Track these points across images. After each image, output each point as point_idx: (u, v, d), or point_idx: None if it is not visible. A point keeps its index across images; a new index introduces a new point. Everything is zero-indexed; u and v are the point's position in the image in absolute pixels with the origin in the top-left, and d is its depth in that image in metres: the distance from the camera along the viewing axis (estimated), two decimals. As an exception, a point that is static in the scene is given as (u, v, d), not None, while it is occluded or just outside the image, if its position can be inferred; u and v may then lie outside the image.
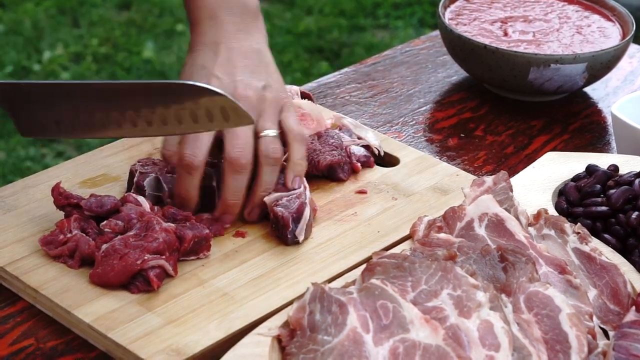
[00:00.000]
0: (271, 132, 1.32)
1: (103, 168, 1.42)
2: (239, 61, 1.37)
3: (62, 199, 1.28)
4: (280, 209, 1.29)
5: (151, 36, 4.09)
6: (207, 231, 1.26)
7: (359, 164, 1.45)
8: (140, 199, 1.30)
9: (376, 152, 1.48)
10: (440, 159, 1.54)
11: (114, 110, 1.25)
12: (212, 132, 1.30)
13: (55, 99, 1.27)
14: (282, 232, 1.29)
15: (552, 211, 1.33)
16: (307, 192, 1.33)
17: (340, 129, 1.51)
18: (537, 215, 1.29)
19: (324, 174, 1.42)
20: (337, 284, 1.18)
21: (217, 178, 1.33)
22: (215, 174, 1.34)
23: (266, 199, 1.32)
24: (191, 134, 1.29)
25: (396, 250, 1.24)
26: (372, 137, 1.50)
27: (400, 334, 1.06)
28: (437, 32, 1.88)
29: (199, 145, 1.29)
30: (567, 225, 1.26)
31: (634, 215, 1.28)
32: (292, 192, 1.32)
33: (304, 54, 4.03)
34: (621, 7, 1.80)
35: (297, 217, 1.29)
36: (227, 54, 1.37)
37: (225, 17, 1.38)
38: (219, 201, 1.31)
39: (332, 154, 1.42)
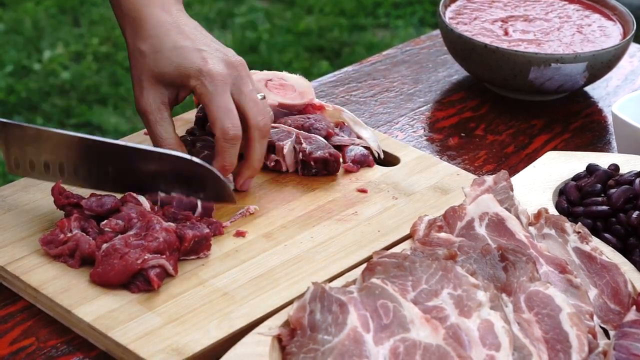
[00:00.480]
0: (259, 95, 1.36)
1: (103, 167, 1.42)
2: (202, 34, 1.39)
3: (63, 199, 1.28)
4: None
5: (151, 35, 4.08)
6: (208, 231, 1.26)
7: (352, 165, 1.45)
8: (141, 198, 1.30)
9: (376, 154, 1.48)
10: (440, 158, 1.54)
11: (109, 167, 1.30)
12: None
13: (53, 146, 1.30)
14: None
15: (553, 210, 1.33)
16: None
17: (340, 128, 1.51)
18: (538, 215, 1.28)
19: (319, 171, 1.43)
20: (338, 283, 1.18)
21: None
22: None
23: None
24: (222, 108, 1.31)
25: (396, 249, 1.24)
26: (371, 137, 1.50)
27: (401, 334, 1.06)
28: (437, 32, 1.88)
29: (234, 115, 1.32)
30: (568, 225, 1.26)
31: (635, 214, 1.28)
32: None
33: (305, 54, 4.03)
34: (622, 6, 1.80)
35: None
36: (190, 29, 1.38)
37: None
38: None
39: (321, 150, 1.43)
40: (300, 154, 1.42)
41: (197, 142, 1.43)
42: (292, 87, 1.53)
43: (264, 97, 1.37)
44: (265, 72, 1.55)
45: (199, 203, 1.30)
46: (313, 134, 1.45)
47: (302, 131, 1.45)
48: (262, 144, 1.35)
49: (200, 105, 1.45)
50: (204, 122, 1.47)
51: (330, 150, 1.43)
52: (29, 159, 1.31)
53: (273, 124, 1.44)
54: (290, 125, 1.46)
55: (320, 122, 1.48)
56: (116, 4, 1.39)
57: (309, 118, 1.48)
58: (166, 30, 1.35)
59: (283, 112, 1.51)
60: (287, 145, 1.42)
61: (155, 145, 1.34)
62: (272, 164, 1.42)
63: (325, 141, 1.45)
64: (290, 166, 1.43)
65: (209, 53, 1.34)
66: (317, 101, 1.53)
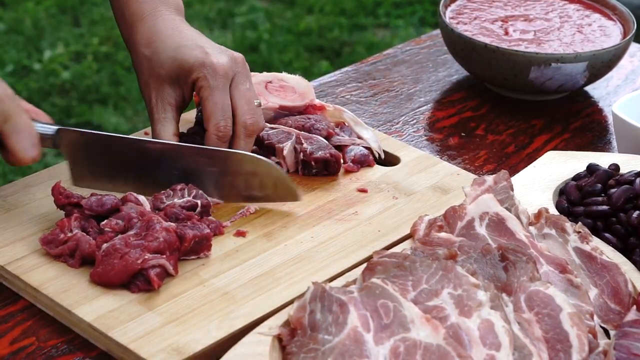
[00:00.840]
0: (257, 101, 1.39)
1: (103, 167, 1.42)
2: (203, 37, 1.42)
3: (63, 198, 1.28)
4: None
5: (152, 35, 4.08)
6: (208, 231, 1.26)
7: (352, 165, 1.45)
8: (141, 198, 1.30)
9: (376, 155, 1.48)
10: (440, 158, 1.54)
11: (172, 171, 1.33)
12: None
13: (117, 153, 1.33)
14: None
15: (553, 210, 1.33)
16: None
17: (341, 128, 1.51)
18: (538, 215, 1.28)
19: (319, 170, 1.43)
20: (338, 283, 1.18)
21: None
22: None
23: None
24: (219, 105, 1.34)
25: (397, 249, 1.24)
26: (372, 137, 1.50)
27: (401, 333, 1.06)
28: (437, 31, 1.88)
29: (229, 115, 1.35)
30: (568, 225, 1.26)
31: (635, 214, 1.28)
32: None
33: (305, 53, 4.03)
34: (622, 6, 1.80)
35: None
36: (191, 33, 1.41)
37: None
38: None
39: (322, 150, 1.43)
40: (301, 154, 1.42)
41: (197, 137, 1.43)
42: (292, 88, 1.53)
43: (259, 105, 1.39)
44: (264, 74, 1.55)
45: (199, 202, 1.31)
46: (314, 135, 1.45)
47: (302, 132, 1.45)
48: (247, 142, 1.37)
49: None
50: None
51: (331, 151, 1.43)
52: (92, 168, 1.34)
53: (273, 125, 1.45)
54: (291, 126, 1.46)
55: (321, 122, 1.48)
56: (120, 15, 1.43)
57: (309, 118, 1.49)
58: (169, 34, 1.38)
59: (284, 113, 1.51)
60: (286, 147, 1.42)
61: None
62: None
63: (326, 141, 1.45)
64: (290, 166, 1.43)
65: (210, 49, 1.37)
66: (317, 101, 1.53)
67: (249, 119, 1.36)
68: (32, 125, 1.26)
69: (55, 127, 1.30)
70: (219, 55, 1.36)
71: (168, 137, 1.36)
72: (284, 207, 1.36)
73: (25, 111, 1.26)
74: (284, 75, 1.55)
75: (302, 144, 1.43)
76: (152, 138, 1.36)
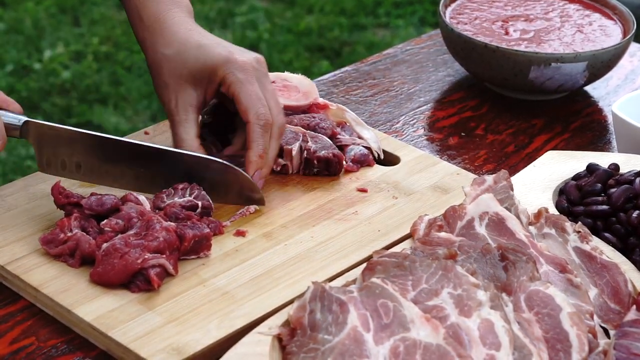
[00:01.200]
0: None
1: (103, 167, 1.42)
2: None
3: (63, 198, 1.28)
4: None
5: (152, 35, 4.08)
6: (208, 230, 1.26)
7: (352, 164, 1.45)
8: (141, 198, 1.30)
9: (376, 155, 1.48)
10: (440, 157, 1.54)
11: (139, 169, 1.33)
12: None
13: (86, 147, 1.32)
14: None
15: (553, 210, 1.33)
16: None
17: (342, 128, 1.51)
18: (538, 214, 1.28)
19: (320, 170, 1.43)
20: (338, 283, 1.18)
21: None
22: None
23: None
24: (254, 95, 1.34)
25: (397, 249, 1.24)
26: (372, 137, 1.50)
27: (401, 333, 1.06)
28: (437, 31, 1.88)
29: (265, 103, 1.34)
30: (568, 224, 1.26)
31: (635, 214, 1.28)
32: None
33: (305, 53, 4.03)
34: (622, 5, 1.80)
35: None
36: (209, 34, 1.42)
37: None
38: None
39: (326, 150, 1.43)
40: (305, 152, 1.42)
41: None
42: (295, 87, 1.53)
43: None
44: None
45: (200, 203, 1.31)
46: (319, 134, 1.46)
47: (308, 130, 1.45)
48: (277, 142, 1.36)
49: (206, 109, 1.44)
50: (212, 127, 1.46)
51: (334, 151, 1.43)
52: (61, 159, 1.33)
53: None
54: (296, 125, 1.46)
55: (325, 121, 1.48)
56: (136, 17, 1.42)
57: (314, 117, 1.49)
58: (188, 34, 1.38)
59: (287, 112, 1.51)
60: (295, 148, 1.41)
61: (175, 146, 1.35)
62: (279, 168, 1.42)
63: (331, 141, 1.45)
64: (295, 167, 1.43)
65: (232, 47, 1.38)
66: (321, 100, 1.53)
67: (281, 119, 1.36)
68: None
69: (23, 119, 1.30)
70: (242, 53, 1.37)
71: (191, 139, 1.35)
72: (284, 206, 1.36)
73: None
74: (287, 74, 1.55)
75: (307, 142, 1.43)
76: (173, 140, 1.36)
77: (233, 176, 1.33)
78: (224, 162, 1.33)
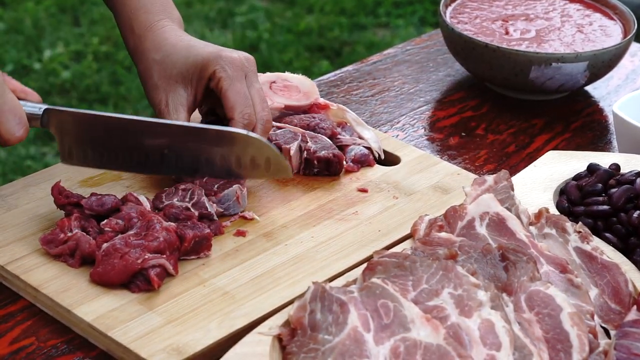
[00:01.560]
0: None
1: (104, 167, 1.42)
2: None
3: (63, 198, 1.28)
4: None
5: (152, 35, 4.08)
6: (208, 230, 1.26)
7: (353, 164, 1.45)
8: (142, 198, 1.30)
9: (377, 155, 1.48)
10: (441, 157, 1.54)
11: (161, 149, 1.32)
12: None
13: (106, 131, 1.31)
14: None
15: (553, 210, 1.33)
16: None
17: (342, 128, 1.51)
18: (538, 214, 1.28)
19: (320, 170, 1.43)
20: (338, 283, 1.18)
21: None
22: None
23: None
24: (242, 94, 1.35)
25: (397, 249, 1.24)
26: (373, 138, 1.50)
27: (401, 333, 1.06)
28: (438, 31, 1.88)
29: (251, 103, 1.35)
30: (569, 224, 1.26)
31: (636, 214, 1.28)
32: None
33: (305, 53, 4.03)
34: (623, 5, 1.79)
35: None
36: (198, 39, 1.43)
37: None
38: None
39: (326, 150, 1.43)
40: (305, 152, 1.42)
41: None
42: (296, 87, 1.53)
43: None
44: (268, 74, 1.55)
45: (196, 213, 1.30)
46: (319, 134, 1.46)
47: (307, 130, 1.45)
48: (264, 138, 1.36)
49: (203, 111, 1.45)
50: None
51: (335, 152, 1.43)
52: (83, 148, 1.32)
53: (279, 124, 1.45)
54: (296, 125, 1.46)
55: (325, 121, 1.48)
56: (128, 29, 1.43)
57: (314, 117, 1.49)
58: (177, 40, 1.39)
59: (288, 112, 1.51)
60: (293, 148, 1.41)
61: None
62: None
63: (331, 142, 1.45)
64: (295, 167, 1.43)
65: (220, 47, 1.39)
66: (322, 100, 1.53)
67: (266, 115, 1.36)
68: (18, 104, 1.25)
69: (43, 107, 1.29)
70: (231, 51, 1.38)
71: None
72: (284, 207, 1.36)
73: (12, 90, 1.25)
74: (288, 74, 1.55)
75: (307, 142, 1.43)
76: None
77: (259, 148, 1.32)
78: (255, 135, 1.32)
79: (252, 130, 1.35)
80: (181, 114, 1.36)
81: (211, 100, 1.40)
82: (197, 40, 1.41)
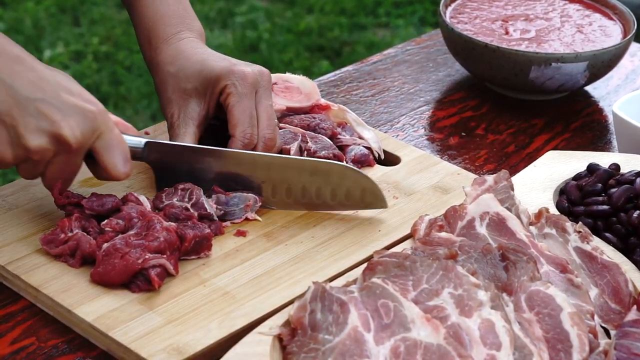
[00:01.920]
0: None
1: (104, 167, 1.42)
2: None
3: (63, 198, 1.28)
4: None
5: (152, 35, 4.08)
6: (208, 231, 1.26)
7: (353, 165, 1.45)
8: (142, 198, 1.30)
9: (377, 155, 1.48)
10: (441, 157, 1.54)
11: (260, 181, 1.33)
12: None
13: (206, 163, 1.33)
14: None
15: (553, 210, 1.33)
16: None
17: (342, 128, 1.51)
18: (538, 214, 1.28)
19: None
20: (338, 283, 1.18)
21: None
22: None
23: None
24: (247, 113, 1.35)
25: (397, 249, 1.24)
26: (373, 138, 1.50)
27: (402, 333, 1.06)
28: (438, 31, 1.88)
29: (255, 123, 1.35)
30: (569, 224, 1.26)
31: (635, 214, 1.28)
32: None
33: (305, 53, 4.03)
34: (622, 5, 1.80)
35: None
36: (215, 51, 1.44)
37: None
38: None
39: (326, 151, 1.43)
40: (305, 152, 1.42)
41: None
42: (297, 89, 1.53)
43: (277, 125, 1.39)
44: None
45: (196, 214, 1.30)
46: (319, 134, 1.46)
47: (308, 131, 1.46)
48: None
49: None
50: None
51: (335, 152, 1.43)
52: (179, 179, 1.33)
53: (280, 124, 1.45)
54: (296, 125, 1.47)
55: (326, 122, 1.48)
56: (146, 40, 1.44)
57: (314, 118, 1.49)
58: (193, 52, 1.40)
59: (289, 113, 1.51)
60: (293, 148, 1.41)
61: None
62: None
63: (331, 142, 1.45)
64: None
65: (237, 61, 1.39)
66: (323, 101, 1.53)
67: (269, 134, 1.36)
68: (123, 140, 1.25)
69: (144, 140, 1.30)
70: (245, 65, 1.38)
71: None
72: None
73: (115, 125, 1.26)
74: (288, 75, 1.55)
75: (307, 142, 1.43)
76: None
77: (355, 179, 1.33)
78: (347, 165, 1.34)
79: (253, 149, 1.35)
80: (190, 129, 1.37)
81: (223, 113, 1.40)
82: (212, 53, 1.40)
